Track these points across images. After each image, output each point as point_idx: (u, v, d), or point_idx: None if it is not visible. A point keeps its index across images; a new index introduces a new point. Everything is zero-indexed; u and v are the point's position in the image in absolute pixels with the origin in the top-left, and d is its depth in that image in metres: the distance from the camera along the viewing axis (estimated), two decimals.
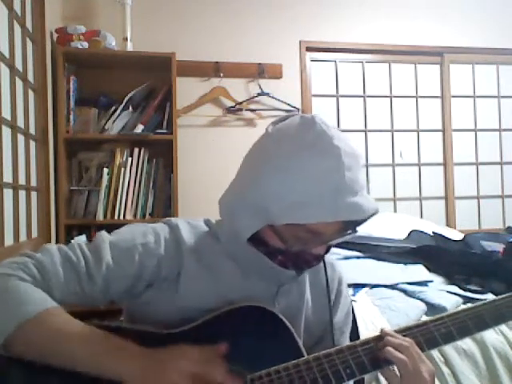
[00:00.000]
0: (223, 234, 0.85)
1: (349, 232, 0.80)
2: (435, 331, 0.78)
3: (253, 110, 2.75)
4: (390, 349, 0.73)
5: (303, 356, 0.76)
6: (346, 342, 0.94)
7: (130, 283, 0.78)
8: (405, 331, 0.78)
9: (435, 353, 1.41)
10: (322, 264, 0.88)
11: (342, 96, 3.07)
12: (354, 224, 0.80)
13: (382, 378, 1.35)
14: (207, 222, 0.90)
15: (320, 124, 0.76)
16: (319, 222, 0.72)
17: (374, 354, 0.74)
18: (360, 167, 0.76)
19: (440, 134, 3.17)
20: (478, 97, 3.23)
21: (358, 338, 1.14)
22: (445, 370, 1.39)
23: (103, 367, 0.64)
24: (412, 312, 1.53)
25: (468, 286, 1.71)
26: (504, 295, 0.84)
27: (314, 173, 0.71)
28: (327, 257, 0.89)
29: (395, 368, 0.73)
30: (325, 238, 0.77)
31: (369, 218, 0.78)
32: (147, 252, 0.78)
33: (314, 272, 0.91)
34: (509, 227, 2.59)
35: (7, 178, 1.59)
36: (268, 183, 0.73)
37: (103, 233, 0.80)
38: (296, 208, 0.71)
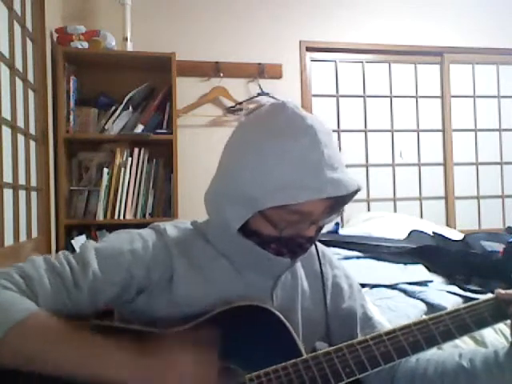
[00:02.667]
0: (212, 233, 0.85)
1: (335, 212, 0.82)
2: (434, 329, 0.78)
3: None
4: None
5: (301, 352, 0.75)
6: (370, 312, 0.95)
7: (118, 290, 0.76)
8: (404, 329, 0.78)
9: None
10: (314, 253, 0.91)
11: (342, 96, 3.07)
12: (339, 203, 0.82)
13: None
14: (194, 224, 0.89)
15: (291, 107, 0.78)
16: (305, 200, 0.72)
17: (373, 352, 0.74)
18: (335, 145, 0.78)
19: (440, 134, 3.17)
20: (477, 97, 3.23)
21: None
22: None
23: (97, 370, 0.61)
24: (412, 312, 1.53)
25: (468, 286, 1.71)
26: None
27: (293, 154, 0.73)
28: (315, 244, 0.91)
29: None
30: (313, 218, 0.78)
31: (352, 195, 0.80)
32: (135, 258, 0.77)
33: (307, 263, 0.93)
34: (509, 227, 2.58)
35: (7, 178, 1.59)
36: (249, 172, 0.75)
37: (89, 241, 0.79)
38: (280, 191, 0.72)
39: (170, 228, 0.85)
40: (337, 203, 0.81)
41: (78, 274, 0.72)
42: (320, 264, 0.89)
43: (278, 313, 0.78)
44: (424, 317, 1.55)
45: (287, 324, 0.78)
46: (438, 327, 0.78)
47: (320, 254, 0.91)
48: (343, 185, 0.74)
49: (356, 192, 0.79)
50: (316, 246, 0.90)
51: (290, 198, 0.72)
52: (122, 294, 0.77)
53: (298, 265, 0.92)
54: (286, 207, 0.74)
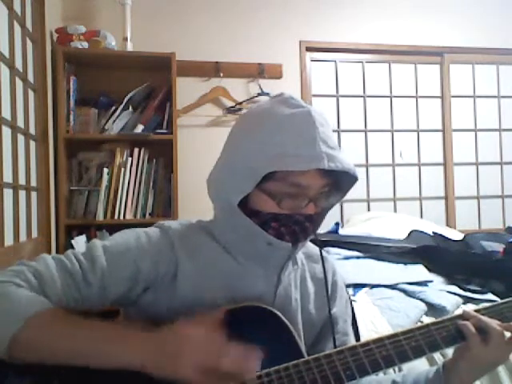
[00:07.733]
0: (216, 226, 0.87)
1: (333, 197, 0.84)
2: (437, 335, 0.78)
3: None
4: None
5: (302, 355, 0.76)
6: (349, 329, 0.96)
7: (126, 286, 0.78)
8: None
9: (435, 353, 1.41)
10: (319, 257, 0.92)
11: (342, 96, 3.07)
12: (337, 187, 0.84)
13: None
14: (199, 222, 0.91)
15: (288, 93, 0.83)
16: (301, 169, 0.75)
17: (375, 356, 0.74)
18: (331, 129, 0.82)
19: (440, 133, 3.17)
20: (478, 97, 3.23)
21: (359, 338, 1.14)
22: None
23: (113, 355, 0.63)
24: (412, 312, 1.53)
25: (468, 286, 1.71)
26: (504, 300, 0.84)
27: (289, 127, 0.77)
28: (318, 250, 0.92)
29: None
30: (311, 194, 0.79)
31: (350, 184, 0.83)
32: (141, 254, 0.79)
33: (312, 265, 0.94)
34: (509, 227, 2.58)
35: (7, 178, 1.59)
36: (248, 145, 0.79)
37: (96, 240, 0.81)
38: (277, 158, 0.75)
39: (175, 225, 0.86)
40: (335, 187, 0.83)
41: (87, 271, 0.74)
42: (324, 270, 0.90)
43: (280, 314, 0.78)
44: (424, 317, 1.55)
45: (289, 325, 0.78)
46: (440, 332, 0.79)
47: (324, 260, 0.92)
48: (338, 160, 0.76)
49: (354, 181, 0.82)
50: (321, 252, 0.91)
51: (286, 165, 0.75)
52: (131, 290, 0.79)
53: (304, 267, 0.93)
54: (285, 179, 0.77)
